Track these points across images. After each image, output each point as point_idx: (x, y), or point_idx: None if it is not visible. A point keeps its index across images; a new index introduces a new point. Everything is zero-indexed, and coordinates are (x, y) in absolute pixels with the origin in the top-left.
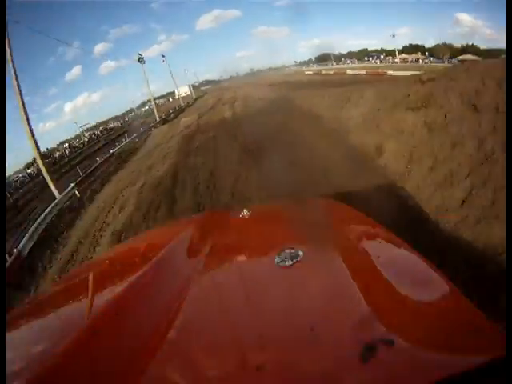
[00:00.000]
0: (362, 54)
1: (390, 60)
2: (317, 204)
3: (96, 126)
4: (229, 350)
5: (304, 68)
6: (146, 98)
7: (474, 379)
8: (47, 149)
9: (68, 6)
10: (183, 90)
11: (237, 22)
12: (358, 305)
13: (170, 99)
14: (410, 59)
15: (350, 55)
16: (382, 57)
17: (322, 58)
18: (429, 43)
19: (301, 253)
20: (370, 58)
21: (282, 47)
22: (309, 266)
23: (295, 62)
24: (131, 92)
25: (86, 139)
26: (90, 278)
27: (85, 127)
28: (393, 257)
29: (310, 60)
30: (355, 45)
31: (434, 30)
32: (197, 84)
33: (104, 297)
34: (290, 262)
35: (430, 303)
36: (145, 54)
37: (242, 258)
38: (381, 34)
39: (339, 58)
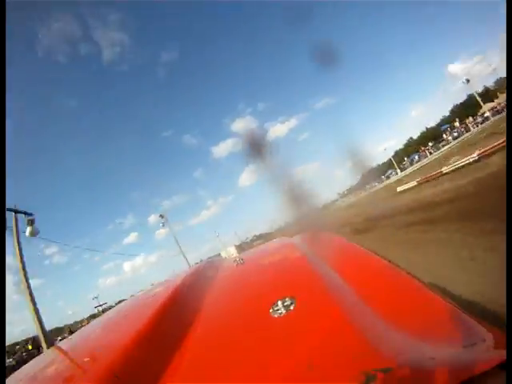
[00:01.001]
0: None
1: None
2: (312, 238)
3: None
4: None
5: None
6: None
7: None
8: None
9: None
10: (231, 251)
11: None
12: (353, 339)
13: None
14: None
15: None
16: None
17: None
18: None
19: (293, 301)
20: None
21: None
22: (302, 312)
23: (338, 193)
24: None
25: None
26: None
27: (101, 308)
28: (387, 284)
29: (351, 187)
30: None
31: None
32: (248, 240)
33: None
34: (284, 312)
35: (426, 322)
36: (196, 220)
37: (236, 310)
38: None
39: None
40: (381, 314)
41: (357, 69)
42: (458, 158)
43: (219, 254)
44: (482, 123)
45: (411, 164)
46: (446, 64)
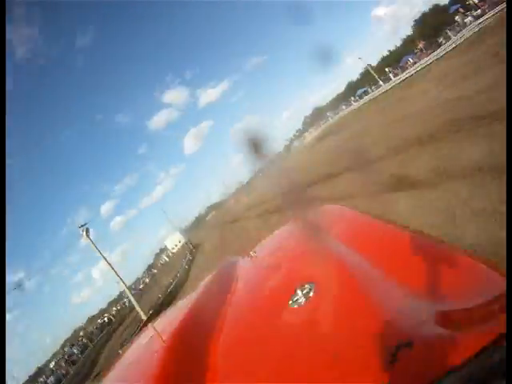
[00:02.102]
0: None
1: None
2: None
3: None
4: None
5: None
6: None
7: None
8: None
9: None
10: (175, 240)
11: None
12: (374, 317)
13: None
14: None
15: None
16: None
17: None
18: None
19: (312, 287)
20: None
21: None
22: (322, 297)
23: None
24: None
25: None
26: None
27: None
28: (397, 248)
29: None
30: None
31: None
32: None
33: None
34: (304, 300)
35: (445, 281)
36: (153, 198)
37: (257, 306)
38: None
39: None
40: (397, 281)
41: (282, 24)
42: None
43: (165, 248)
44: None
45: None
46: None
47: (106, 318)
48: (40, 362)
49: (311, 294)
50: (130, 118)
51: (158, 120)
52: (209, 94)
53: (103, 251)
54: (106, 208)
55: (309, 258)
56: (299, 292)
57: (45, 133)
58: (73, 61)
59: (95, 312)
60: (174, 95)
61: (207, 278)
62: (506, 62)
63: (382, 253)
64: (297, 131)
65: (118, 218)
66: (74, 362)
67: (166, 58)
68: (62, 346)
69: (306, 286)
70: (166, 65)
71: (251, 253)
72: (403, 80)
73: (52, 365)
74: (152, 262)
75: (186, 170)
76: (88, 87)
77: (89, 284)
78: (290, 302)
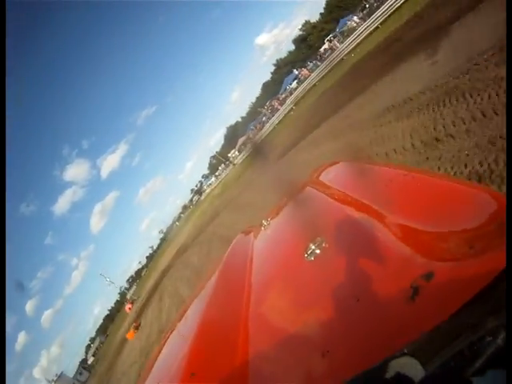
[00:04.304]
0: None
1: None
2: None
3: None
4: (295, 340)
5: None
6: None
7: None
8: None
9: None
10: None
11: None
12: (389, 255)
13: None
14: None
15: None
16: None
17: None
18: None
19: (323, 239)
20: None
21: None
22: (335, 247)
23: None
24: None
25: None
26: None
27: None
28: (406, 189)
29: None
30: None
31: None
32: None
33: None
34: (318, 251)
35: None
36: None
37: (278, 264)
38: None
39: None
40: (402, 219)
41: (164, 70)
42: None
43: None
44: None
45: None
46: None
47: None
48: None
49: (324, 244)
50: (34, 206)
51: (63, 201)
52: (109, 162)
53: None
54: (29, 307)
55: (317, 218)
56: (312, 245)
57: None
58: None
59: None
60: (75, 170)
61: (227, 253)
62: (505, 62)
63: (384, 195)
64: (202, 177)
65: (47, 312)
66: None
67: (60, 130)
68: None
69: (318, 238)
70: (61, 138)
71: (263, 222)
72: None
73: None
74: None
75: (97, 249)
76: None
77: None
78: (306, 255)
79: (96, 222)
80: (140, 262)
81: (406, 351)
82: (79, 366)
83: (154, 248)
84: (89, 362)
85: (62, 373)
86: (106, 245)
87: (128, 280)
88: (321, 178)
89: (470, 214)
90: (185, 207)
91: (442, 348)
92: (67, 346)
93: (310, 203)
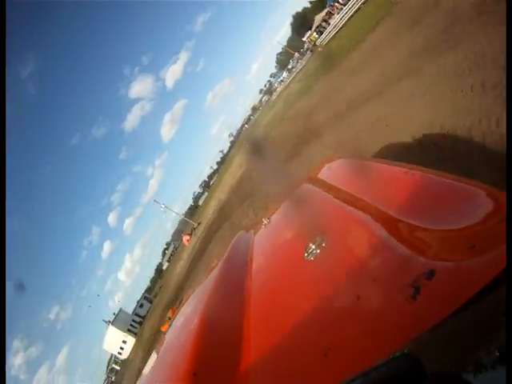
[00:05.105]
0: None
1: None
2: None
3: None
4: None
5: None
6: None
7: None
8: None
9: None
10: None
11: None
12: (390, 255)
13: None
14: None
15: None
16: None
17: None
18: None
19: (323, 238)
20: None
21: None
22: (334, 246)
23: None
24: None
25: None
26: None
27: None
28: (401, 186)
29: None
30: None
31: None
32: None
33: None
34: (318, 251)
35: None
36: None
37: (278, 263)
38: None
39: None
40: (400, 216)
41: None
42: None
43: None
44: None
45: None
46: None
47: None
48: None
49: (323, 244)
50: (105, 128)
51: (132, 118)
52: (172, 72)
53: None
54: (112, 218)
55: (316, 216)
56: (312, 245)
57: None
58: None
59: None
60: (140, 86)
61: (227, 251)
62: (506, 62)
63: (384, 193)
64: (271, 76)
65: (128, 220)
66: None
67: (116, 52)
68: None
69: (317, 238)
70: (120, 58)
71: (264, 220)
72: None
73: None
74: None
75: (170, 156)
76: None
77: None
78: (306, 254)
79: (167, 131)
80: (211, 167)
81: (406, 351)
82: (142, 296)
83: (225, 152)
84: (163, 268)
85: (120, 310)
86: (178, 151)
87: (200, 185)
88: (320, 175)
89: (470, 213)
90: (254, 108)
91: (442, 348)
92: (148, 247)
93: (309, 201)
